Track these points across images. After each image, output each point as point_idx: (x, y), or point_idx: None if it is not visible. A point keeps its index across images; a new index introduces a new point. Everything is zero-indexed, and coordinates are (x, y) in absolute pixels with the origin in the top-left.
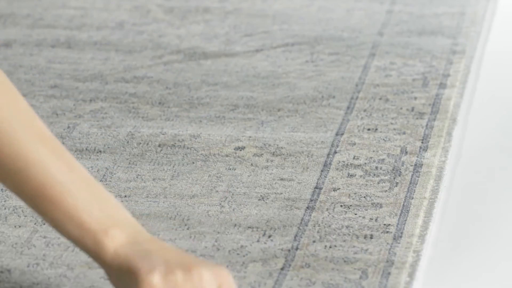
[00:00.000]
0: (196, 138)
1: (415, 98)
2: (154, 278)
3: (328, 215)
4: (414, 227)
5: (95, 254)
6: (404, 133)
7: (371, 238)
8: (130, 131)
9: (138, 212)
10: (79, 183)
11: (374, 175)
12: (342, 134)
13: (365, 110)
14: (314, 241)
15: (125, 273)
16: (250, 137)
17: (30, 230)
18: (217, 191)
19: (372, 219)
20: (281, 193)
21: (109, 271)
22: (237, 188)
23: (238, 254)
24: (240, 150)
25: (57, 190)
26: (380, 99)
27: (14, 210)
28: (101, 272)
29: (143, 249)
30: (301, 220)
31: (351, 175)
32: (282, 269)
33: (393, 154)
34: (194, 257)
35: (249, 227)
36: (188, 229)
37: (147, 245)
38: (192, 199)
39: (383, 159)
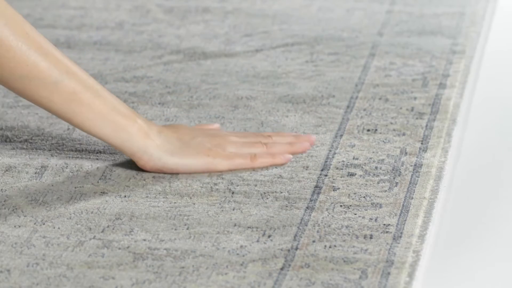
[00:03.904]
0: None
1: (415, 98)
2: (220, 152)
3: (328, 215)
4: (413, 227)
5: (127, 146)
6: (403, 134)
7: (371, 238)
8: None
9: (138, 212)
10: (98, 89)
11: (374, 175)
12: (342, 135)
13: (364, 109)
14: (313, 241)
15: (184, 157)
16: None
17: (29, 230)
18: (217, 191)
19: (371, 219)
20: (281, 193)
21: (144, 156)
22: (237, 187)
23: (237, 254)
24: None
25: (86, 95)
26: (380, 99)
27: (14, 210)
28: (101, 272)
29: (173, 138)
30: (301, 220)
31: (351, 175)
32: (281, 269)
33: (393, 155)
34: (186, 126)
35: (248, 227)
36: (187, 228)
37: (169, 133)
38: (192, 199)
39: (382, 159)
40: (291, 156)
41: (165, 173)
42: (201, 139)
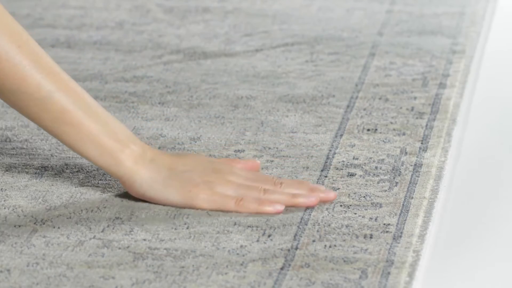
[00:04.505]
0: (196, 142)
1: (415, 98)
2: (205, 189)
3: (328, 215)
4: (413, 227)
5: (115, 170)
6: (404, 133)
7: (371, 237)
8: None
9: (138, 211)
10: (92, 110)
11: (374, 174)
12: (342, 135)
13: (364, 109)
14: (313, 241)
15: (166, 188)
16: (249, 140)
17: (29, 230)
18: None
19: (371, 218)
20: None
21: (135, 188)
22: None
23: (237, 253)
24: (240, 153)
25: (76, 115)
26: (380, 99)
27: (14, 209)
28: (101, 271)
29: (165, 167)
30: (301, 219)
31: (351, 175)
32: (281, 268)
33: (393, 155)
34: (201, 157)
35: (248, 227)
36: (187, 228)
37: (163, 161)
38: None
39: (382, 159)
40: (282, 207)
41: (147, 201)
42: (194, 173)
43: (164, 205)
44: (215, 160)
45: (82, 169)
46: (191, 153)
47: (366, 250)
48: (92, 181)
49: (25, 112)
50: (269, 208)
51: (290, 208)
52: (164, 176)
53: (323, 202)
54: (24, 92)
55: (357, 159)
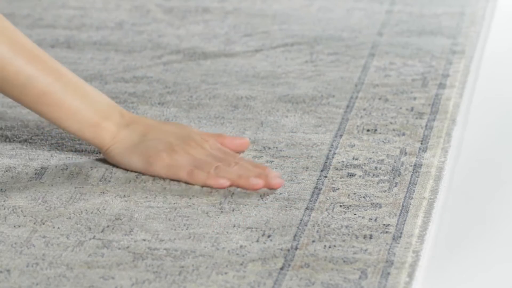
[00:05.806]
0: None
1: (415, 98)
2: (164, 157)
3: (328, 215)
4: (413, 227)
5: (95, 142)
6: (403, 134)
7: (371, 238)
8: None
9: (137, 212)
10: (71, 87)
11: (374, 175)
12: (342, 135)
13: (364, 109)
14: (313, 241)
15: (131, 154)
16: (249, 139)
17: (29, 230)
18: (217, 191)
19: (371, 219)
20: (281, 194)
21: (108, 154)
22: (237, 189)
23: (237, 254)
24: (240, 153)
25: (55, 96)
26: (380, 99)
27: (13, 210)
28: (100, 272)
29: (137, 133)
30: (301, 220)
31: (350, 175)
32: (281, 269)
33: (393, 155)
34: (177, 125)
35: (248, 228)
36: (187, 229)
37: (137, 127)
38: (192, 199)
39: (382, 160)
40: (226, 183)
41: (115, 164)
42: (161, 141)
43: (128, 170)
44: (194, 132)
45: (81, 171)
46: (175, 122)
47: (365, 250)
48: (92, 183)
49: (7, 95)
50: (213, 182)
51: (289, 209)
52: (134, 142)
53: (267, 188)
54: (4, 78)
55: (356, 159)
